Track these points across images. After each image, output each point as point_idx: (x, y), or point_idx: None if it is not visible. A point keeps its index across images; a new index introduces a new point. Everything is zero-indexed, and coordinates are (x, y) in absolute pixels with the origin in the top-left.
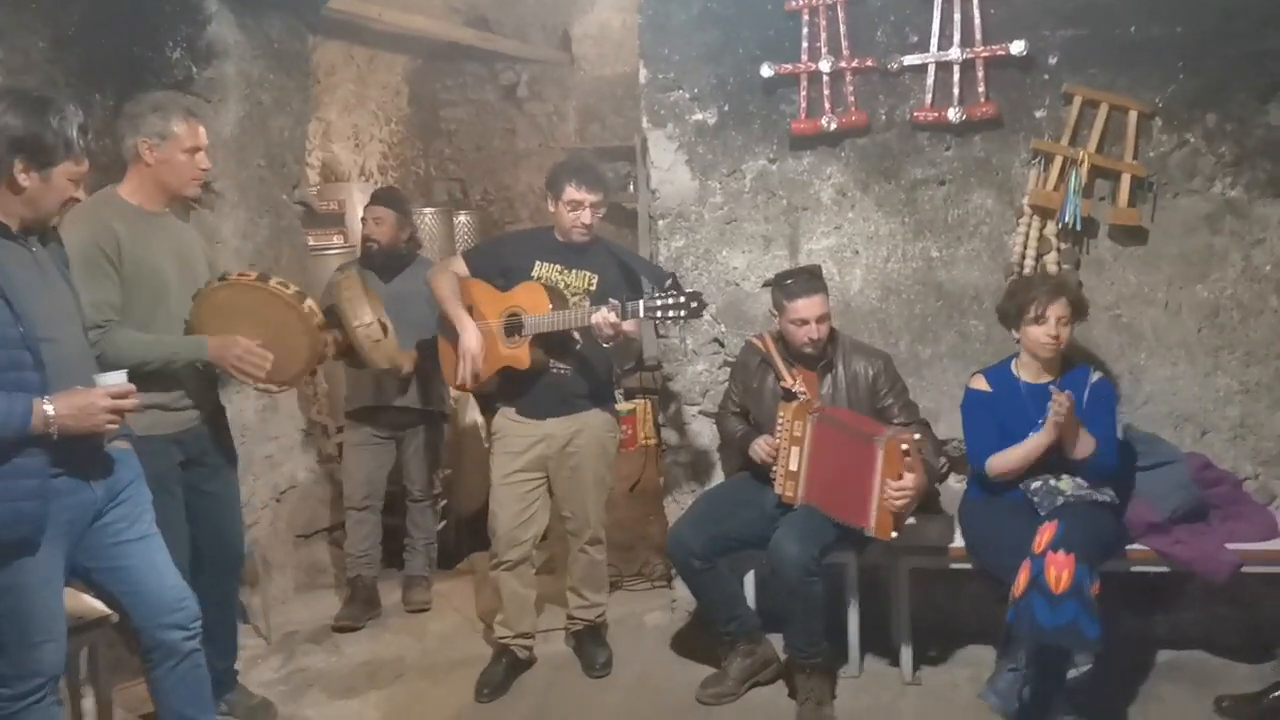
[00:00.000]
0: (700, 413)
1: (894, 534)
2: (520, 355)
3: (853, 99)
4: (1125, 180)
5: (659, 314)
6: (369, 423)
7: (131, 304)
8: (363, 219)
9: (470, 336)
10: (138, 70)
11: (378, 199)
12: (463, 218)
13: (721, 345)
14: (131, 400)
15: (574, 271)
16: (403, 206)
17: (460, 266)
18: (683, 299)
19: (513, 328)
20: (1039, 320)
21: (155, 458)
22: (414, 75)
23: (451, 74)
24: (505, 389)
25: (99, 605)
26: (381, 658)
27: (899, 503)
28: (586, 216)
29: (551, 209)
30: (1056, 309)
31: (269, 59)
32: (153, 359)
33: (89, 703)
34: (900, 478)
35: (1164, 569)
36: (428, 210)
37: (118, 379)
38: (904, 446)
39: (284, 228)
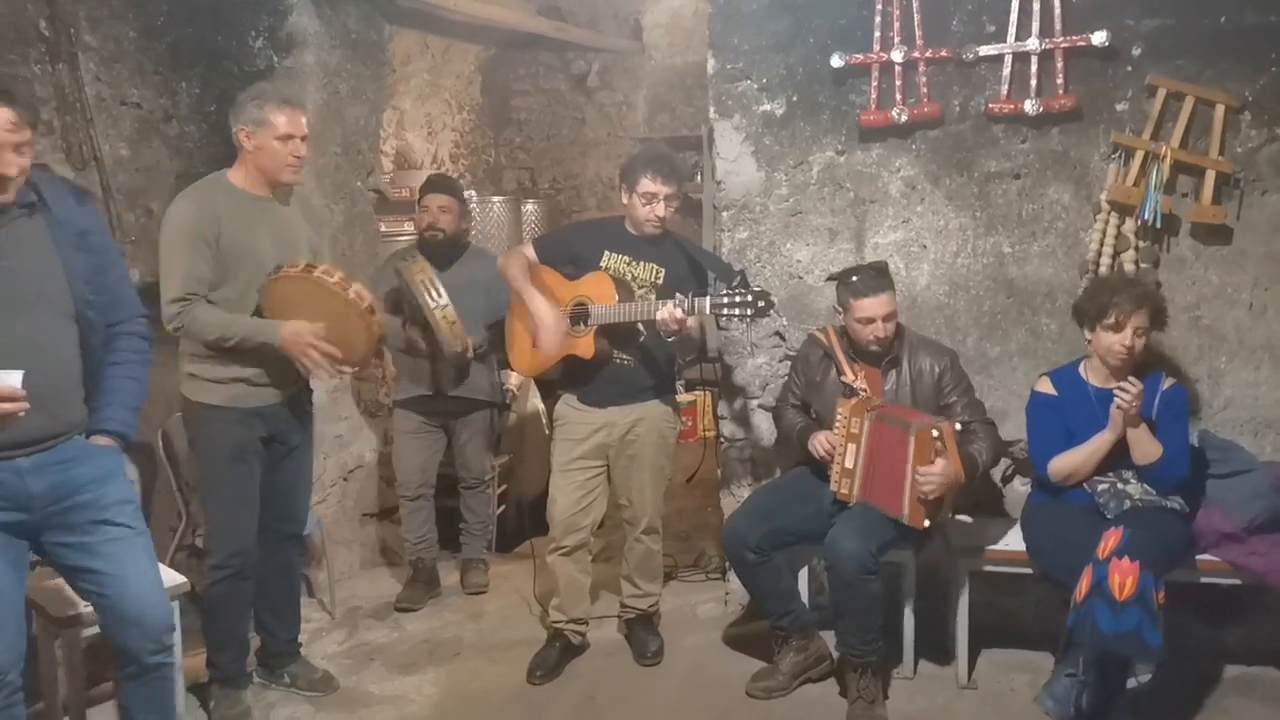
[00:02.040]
0: (760, 406)
1: (926, 523)
2: (585, 344)
3: (925, 90)
4: (1210, 176)
5: (725, 311)
6: (421, 412)
7: (230, 281)
8: (424, 206)
9: (546, 313)
10: (221, 59)
11: (440, 187)
12: (530, 206)
13: (783, 339)
14: (10, 405)
15: (642, 263)
16: (462, 195)
17: (530, 253)
18: (750, 298)
19: (579, 317)
20: (1116, 328)
21: (236, 429)
22: (487, 64)
23: (524, 63)
24: (568, 377)
25: None
26: (440, 636)
27: (926, 489)
28: (661, 209)
29: (625, 200)
30: (1136, 320)
31: (346, 48)
32: (229, 336)
33: None
34: (929, 463)
35: (1237, 580)
36: (496, 199)
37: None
38: (934, 433)
39: (358, 214)
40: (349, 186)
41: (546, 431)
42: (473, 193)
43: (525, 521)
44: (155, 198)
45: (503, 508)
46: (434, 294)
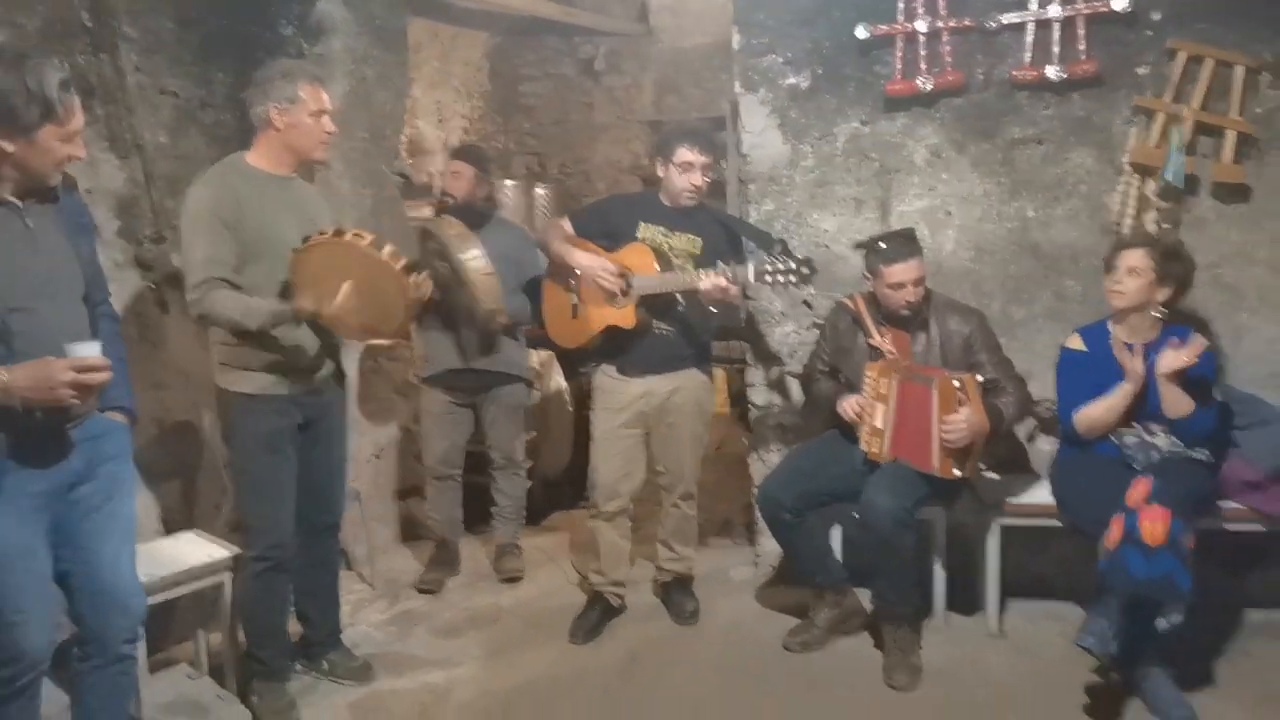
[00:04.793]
0: (787, 374)
1: (956, 472)
2: (627, 315)
3: (949, 59)
4: (1230, 137)
5: (769, 279)
6: (448, 388)
7: (253, 267)
8: (441, 173)
9: (589, 260)
10: (252, 47)
11: (458, 154)
12: (541, 191)
13: (810, 307)
14: (101, 375)
15: (678, 234)
16: (482, 163)
17: (566, 226)
18: (793, 264)
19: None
20: (1110, 270)
21: (269, 417)
22: (495, 51)
23: (531, 49)
24: (608, 348)
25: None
26: (478, 604)
27: (950, 436)
28: (697, 178)
29: (661, 172)
30: (1125, 259)
31: (372, 35)
32: (248, 319)
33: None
34: (954, 412)
35: (1259, 527)
36: (508, 182)
37: (89, 351)
38: (955, 383)
39: (385, 198)
40: (376, 171)
41: (570, 409)
42: None
43: (550, 498)
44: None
45: (530, 483)
46: (464, 246)
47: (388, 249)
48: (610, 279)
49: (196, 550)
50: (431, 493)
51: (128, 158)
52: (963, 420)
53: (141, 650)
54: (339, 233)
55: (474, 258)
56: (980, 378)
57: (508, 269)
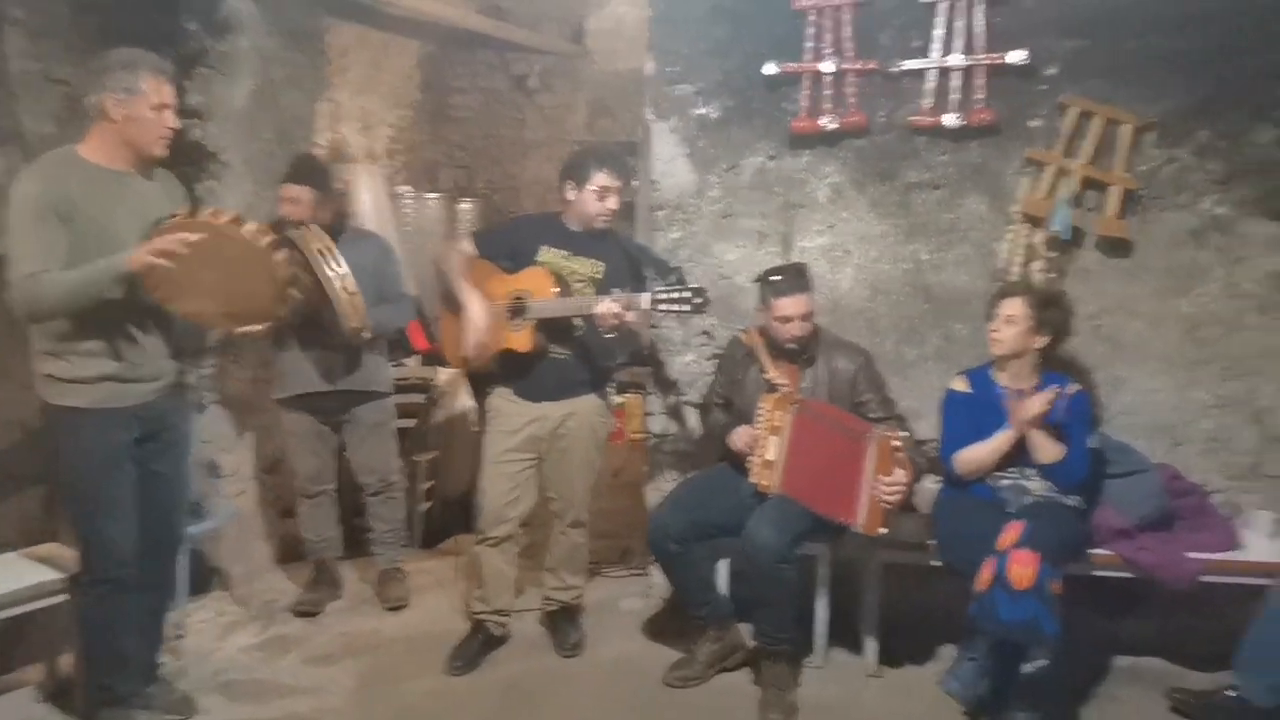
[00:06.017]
0: (685, 403)
1: (881, 530)
2: (523, 338)
3: (853, 100)
4: (1115, 192)
5: (662, 307)
6: (309, 410)
7: (85, 264)
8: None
9: (476, 311)
10: (154, 40)
11: (291, 175)
12: (466, 205)
13: (710, 338)
14: None
15: (580, 258)
16: (321, 181)
17: (468, 246)
18: (687, 294)
19: (517, 311)
20: (990, 317)
21: (109, 431)
22: (426, 61)
23: (463, 61)
24: (504, 370)
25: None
26: (359, 629)
27: (891, 498)
28: (613, 203)
29: (571, 196)
30: (1004, 306)
31: (283, 36)
32: (78, 290)
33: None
34: (891, 473)
35: (1127, 574)
36: (431, 196)
37: None
38: (895, 443)
39: None
40: (282, 175)
41: (474, 429)
42: (410, 188)
43: (449, 519)
44: None
45: (429, 504)
46: (333, 263)
47: (249, 226)
48: (479, 333)
49: (47, 565)
50: (303, 511)
51: (4, 145)
52: (903, 483)
53: None
54: (193, 212)
55: (339, 274)
56: (906, 434)
57: (366, 282)
